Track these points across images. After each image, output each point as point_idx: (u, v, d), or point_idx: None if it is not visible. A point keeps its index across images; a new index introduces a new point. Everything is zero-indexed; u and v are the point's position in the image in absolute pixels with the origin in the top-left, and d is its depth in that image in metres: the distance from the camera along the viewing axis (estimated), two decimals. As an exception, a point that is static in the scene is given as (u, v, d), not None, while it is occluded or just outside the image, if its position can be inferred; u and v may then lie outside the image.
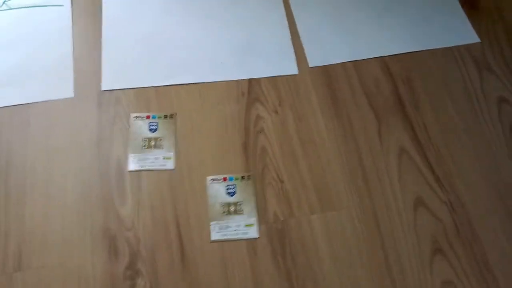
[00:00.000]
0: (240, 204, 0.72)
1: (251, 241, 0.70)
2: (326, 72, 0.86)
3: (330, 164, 0.77)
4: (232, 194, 0.73)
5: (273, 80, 0.85)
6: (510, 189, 0.75)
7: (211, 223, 0.71)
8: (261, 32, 0.90)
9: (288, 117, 0.81)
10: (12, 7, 0.88)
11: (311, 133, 0.80)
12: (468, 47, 0.91)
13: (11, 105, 0.79)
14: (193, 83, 0.83)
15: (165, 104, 0.81)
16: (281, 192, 0.74)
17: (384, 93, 0.84)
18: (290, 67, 0.86)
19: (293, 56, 0.87)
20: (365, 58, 0.88)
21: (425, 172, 0.77)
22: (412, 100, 0.84)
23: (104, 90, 0.81)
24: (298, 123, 0.80)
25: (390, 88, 0.85)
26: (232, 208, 0.72)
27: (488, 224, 0.73)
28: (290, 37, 0.89)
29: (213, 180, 0.74)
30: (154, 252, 0.68)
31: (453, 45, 0.91)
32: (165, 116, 0.79)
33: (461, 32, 0.94)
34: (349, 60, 0.88)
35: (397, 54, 0.89)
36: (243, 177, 0.75)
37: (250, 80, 0.84)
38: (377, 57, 0.88)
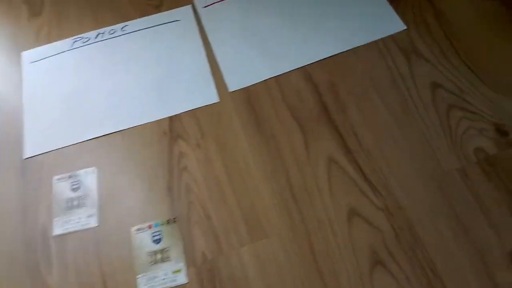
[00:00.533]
0: (166, 251, 0.71)
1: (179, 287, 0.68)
2: (247, 94, 0.84)
3: (257, 189, 0.74)
4: (158, 241, 0.71)
5: (194, 113, 0.83)
6: (451, 180, 0.71)
7: (138, 276, 0.69)
8: (179, 66, 0.89)
9: (211, 148, 0.79)
10: None
11: (236, 160, 0.77)
12: (393, 37, 0.87)
13: None
14: (114, 132, 0.83)
15: (87, 159, 0.80)
16: (209, 229, 0.72)
17: (308, 104, 0.81)
18: (210, 96, 0.85)
19: (212, 84, 0.86)
20: (287, 71, 0.86)
21: (357, 180, 0.73)
22: (338, 105, 0.80)
23: (27, 158, 0.81)
24: (222, 153, 0.78)
25: (314, 97, 0.82)
26: (158, 256, 0.70)
27: (430, 225, 0.68)
28: (208, 65, 0.88)
29: (138, 230, 0.73)
30: (85, 315, 0.67)
31: (379, 37, 0.88)
32: (87, 172, 0.78)
33: (386, 22, 0.90)
34: (270, 77, 0.85)
35: (320, 61, 0.86)
36: (168, 221, 0.73)
37: (171, 118, 0.83)
38: (299, 68, 0.86)
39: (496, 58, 0.81)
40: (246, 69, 0.87)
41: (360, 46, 0.87)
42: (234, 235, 0.71)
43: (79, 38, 0.94)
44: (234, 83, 0.85)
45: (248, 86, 0.85)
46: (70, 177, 0.78)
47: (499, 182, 0.69)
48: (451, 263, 0.65)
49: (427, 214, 0.68)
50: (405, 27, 0.88)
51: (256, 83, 0.85)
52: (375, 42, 0.87)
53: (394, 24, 0.89)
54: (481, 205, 0.68)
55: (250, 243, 0.70)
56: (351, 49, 0.87)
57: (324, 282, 0.66)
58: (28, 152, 0.82)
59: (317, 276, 0.66)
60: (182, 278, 0.68)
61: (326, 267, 0.67)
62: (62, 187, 0.77)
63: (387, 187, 0.71)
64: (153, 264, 0.70)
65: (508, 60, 0.81)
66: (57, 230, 0.74)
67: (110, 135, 0.83)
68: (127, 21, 0.95)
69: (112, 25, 0.95)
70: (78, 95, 0.88)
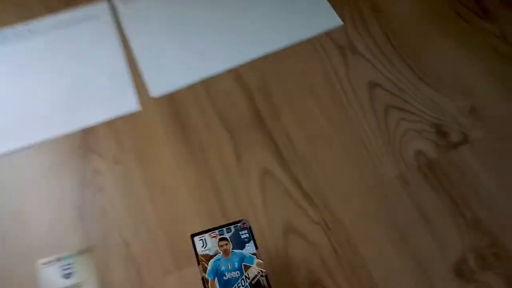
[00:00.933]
0: (80, 286, 0.61)
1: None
2: (172, 100, 0.76)
3: (184, 209, 0.67)
4: (69, 275, 0.62)
5: (111, 123, 0.74)
6: (391, 188, 0.66)
7: (52, 320, 0.60)
8: (93, 70, 0.79)
9: (132, 164, 0.70)
10: None
11: (160, 178, 0.69)
12: (329, 33, 0.82)
13: None
14: (19, 148, 0.72)
15: (-14, 183, 0.69)
16: (128, 258, 0.63)
17: (239, 109, 0.74)
18: (130, 104, 0.76)
19: (132, 90, 0.77)
20: (216, 73, 0.78)
21: (293, 191, 0.67)
22: (271, 110, 0.74)
23: None
24: (144, 170, 0.70)
25: (246, 101, 0.75)
26: (70, 293, 0.61)
27: (370, 239, 0.63)
28: (127, 69, 0.79)
29: (45, 263, 0.63)
30: None
31: (314, 34, 0.82)
32: (-16, 199, 0.67)
33: (322, 18, 0.85)
34: (198, 80, 0.77)
35: (251, 61, 0.79)
36: (80, 252, 0.64)
37: (84, 130, 0.73)
38: (229, 70, 0.78)
39: (437, 55, 0.78)
40: (171, 72, 0.78)
41: (294, 44, 0.81)
42: (158, 263, 0.63)
43: (-25, 41, 0.82)
44: (157, 89, 0.77)
45: (173, 92, 0.77)
46: (-37, 205, 0.67)
47: (440, 189, 0.65)
48: (393, 280, 0.60)
49: (367, 227, 0.64)
50: (341, 23, 0.83)
51: (182, 88, 0.77)
52: (310, 39, 0.81)
53: (330, 20, 0.84)
54: (423, 215, 0.64)
55: (175, 271, 0.62)
56: (284, 47, 0.80)
57: (259, 310, 0.59)
58: None
59: (250, 304, 0.60)
60: (97, 318, 0.60)
61: (260, 293, 0.60)
62: (-48, 218, 0.66)
63: (324, 199, 0.66)
64: (63, 304, 0.60)
65: (449, 57, 0.77)
66: None
67: (12, 154, 0.72)
68: (33, 18, 0.84)
69: (16, 23, 0.83)
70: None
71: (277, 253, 0.63)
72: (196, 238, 0.58)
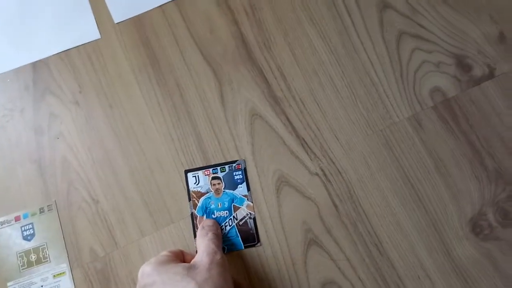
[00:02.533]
0: (43, 249, 0.55)
1: None
2: (139, 24, 0.64)
3: (159, 160, 0.58)
4: (30, 237, 0.55)
5: (67, 56, 0.62)
6: (402, 132, 0.58)
7: (9, 284, 0.54)
8: (41, -11, 0.65)
9: (95, 105, 0.60)
10: None
11: (129, 121, 0.60)
12: None
13: None
14: (-43, 90, 0.61)
15: None
16: (97, 216, 0.56)
17: (223, 37, 0.63)
18: (88, 31, 0.63)
19: (91, 14, 0.64)
20: (193, -10, 0.65)
21: (287, 138, 0.58)
22: (261, 37, 0.63)
23: None
24: (109, 112, 0.60)
25: (230, 27, 0.63)
26: (33, 257, 0.55)
27: (375, 191, 0.56)
28: (84, -13, 0.65)
29: (2, 223, 0.56)
30: None
31: None
32: None
33: None
34: (170, 0, 0.65)
35: (236, -26, 0.65)
36: (41, 210, 0.56)
37: (34, 65, 0.62)
38: (208, -15, 0.65)
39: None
40: (137, -10, 0.65)
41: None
42: (132, 222, 0.56)
43: None
44: (120, 12, 0.64)
45: (139, 15, 0.64)
46: None
47: (459, 133, 0.57)
48: (399, 238, 0.54)
49: (371, 177, 0.56)
50: None
51: (150, 10, 0.64)
52: None
53: None
54: (438, 164, 0.56)
55: (153, 232, 0.55)
56: (278, -43, 0.66)
57: (251, 278, 0.54)
58: None
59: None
60: (66, 284, 0.54)
61: (254, 255, 0.54)
62: None
63: (322, 144, 0.58)
64: (26, 268, 0.54)
65: (473, -31, 0.65)
66: None
67: (-50, 93, 0.61)
68: None
69: None
70: None
71: (269, 209, 0.56)
72: (190, 174, 0.57)
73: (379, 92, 0.59)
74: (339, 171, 0.57)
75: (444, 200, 0.55)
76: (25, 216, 0.56)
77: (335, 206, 0.56)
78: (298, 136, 0.58)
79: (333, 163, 0.57)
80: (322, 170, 0.57)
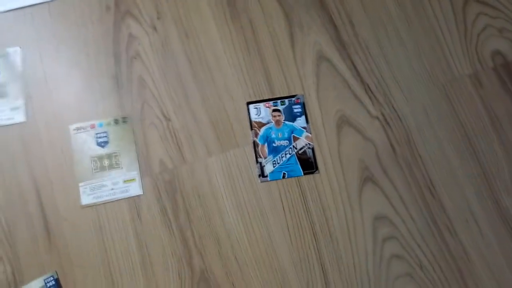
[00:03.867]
0: (116, 156, 0.59)
1: (133, 199, 0.57)
2: (220, -37, 0.67)
3: (228, 89, 0.62)
4: (104, 144, 0.59)
5: (149, -16, 0.66)
6: (461, 87, 0.61)
7: (80, 184, 0.58)
8: None
9: (171, 33, 0.64)
10: None
11: (203, 52, 0.63)
12: None
13: None
14: (40, 3, 0.65)
15: (8, 36, 0.63)
16: (168, 133, 0.60)
17: (297, -17, 0.66)
18: (171, -36, 0.67)
19: None
20: None
21: (351, 82, 0.62)
22: (334, -14, 0.66)
23: None
24: (184, 41, 0.64)
25: (305, -26, 0.66)
26: (106, 162, 0.58)
27: (432, 139, 0.59)
28: None
29: (78, 129, 0.60)
30: (12, 231, 0.56)
31: None
32: (9, 53, 0.62)
33: None
34: None
35: None
36: (116, 121, 0.60)
37: (119, -11, 0.66)
38: None
39: None
40: None
41: None
42: (200, 142, 0.60)
43: None
44: (203, -51, 0.67)
45: (221, -46, 0.67)
46: (-17, 59, 0.62)
47: (516, 93, 0.60)
48: (452, 183, 0.57)
49: (430, 126, 0.60)
50: None
51: (231, -49, 0.67)
52: None
53: None
54: (493, 120, 0.59)
55: (219, 153, 0.59)
56: None
57: (308, 204, 0.57)
58: None
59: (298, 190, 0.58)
60: (135, 189, 0.58)
61: (312, 183, 0.58)
62: (-27, 72, 0.61)
63: (385, 91, 0.61)
64: (99, 171, 0.58)
65: None
66: (-30, 126, 0.59)
67: (35, 6, 0.65)
68: None
69: None
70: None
71: (328, 146, 0.59)
72: (251, 106, 0.60)
73: (442, 48, 0.63)
74: (399, 117, 0.60)
75: (497, 154, 0.58)
76: (100, 125, 0.60)
77: (393, 148, 0.59)
78: (362, 81, 0.62)
79: (394, 109, 0.60)
80: (383, 115, 0.60)
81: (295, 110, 0.61)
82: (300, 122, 0.60)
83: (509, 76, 0.61)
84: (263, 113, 0.61)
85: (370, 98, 0.61)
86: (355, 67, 0.62)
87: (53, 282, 0.54)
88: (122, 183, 0.58)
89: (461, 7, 0.65)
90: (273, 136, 0.60)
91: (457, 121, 0.60)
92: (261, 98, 0.61)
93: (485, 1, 0.65)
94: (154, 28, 0.64)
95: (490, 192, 0.57)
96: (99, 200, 0.57)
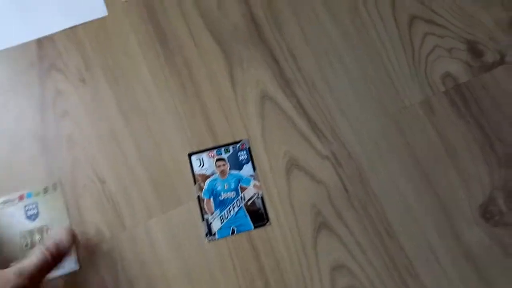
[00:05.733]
0: (47, 229, 0.54)
1: (70, 276, 0.53)
2: (148, 1, 0.63)
3: (168, 139, 0.58)
4: (34, 217, 0.54)
5: (73, 32, 0.61)
6: (412, 116, 0.58)
7: (11, 264, 0.53)
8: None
9: (101, 83, 0.59)
10: None
11: (136, 98, 0.59)
12: None
13: None
14: (-43, 64, 0.60)
15: None
16: (104, 196, 0.55)
17: (233, 16, 0.62)
18: (95, 8, 0.62)
19: (97, -11, 0.63)
20: (202, -32, 0.64)
21: (297, 120, 0.58)
22: (272, 17, 0.62)
23: None
24: (116, 90, 0.59)
25: (240, 5, 0.62)
26: (37, 237, 0.54)
27: (386, 175, 0.56)
28: (89, -39, 0.64)
29: (5, 202, 0.55)
30: None
31: None
32: None
33: None
34: (179, -23, 0.64)
35: (246, -47, 0.65)
36: (46, 189, 0.55)
37: (39, 41, 0.61)
38: (218, -36, 0.64)
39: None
40: (144, -34, 0.64)
41: None
42: (139, 203, 0.55)
43: None
44: (128, -12, 0.63)
45: (148, -8, 0.63)
46: None
47: (470, 118, 0.58)
48: (409, 221, 0.54)
49: (382, 161, 0.56)
50: None
51: (159, -13, 0.63)
52: None
53: None
54: (448, 148, 0.56)
55: (161, 214, 0.55)
56: None
57: (258, 257, 0.54)
58: None
59: (248, 246, 0.54)
60: (70, 264, 0.53)
61: (263, 234, 0.54)
62: None
63: (333, 127, 0.58)
64: (29, 249, 0.53)
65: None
66: None
67: (-50, 68, 0.59)
68: None
69: None
70: None
71: (278, 193, 0.55)
72: (194, 157, 0.57)
73: (390, 74, 0.60)
74: (349, 154, 0.57)
75: (454, 185, 0.55)
76: (29, 196, 0.55)
77: (346, 189, 0.56)
78: (308, 118, 0.58)
79: (344, 146, 0.57)
80: (333, 153, 0.57)
81: (241, 157, 0.57)
82: (247, 170, 0.57)
83: (462, 99, 0.58)
84: (206, 164, 0.57)
85: (317, 136, 0.57)
86: (300, 103, 0.59)
87: None
88: (57, 257, 0.53)
89: (407, 28, 0.61)
90: (219, 188, 0.56)
91: (410, 152, 0.57)
92: (203, 148, 0.57)
93: (431, 19, 0.62)
94: (83, 81, 0.59)
95: (450, 227, 0.54)
96: (34, 279, 0.52)
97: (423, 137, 0.57)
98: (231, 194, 0.56)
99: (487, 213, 0.54)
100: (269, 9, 0.62)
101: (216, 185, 0.56)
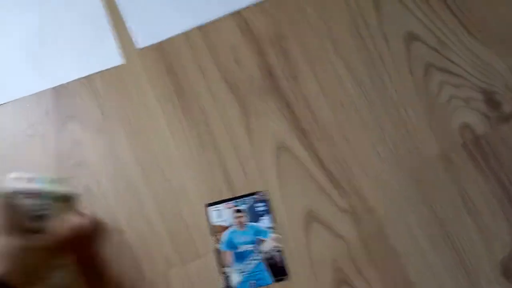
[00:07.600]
0: None
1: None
2: (163, 51, 0.63)
3: (185, 192, 0.58)
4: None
5: (89, 81, 0.62)
6: (432, 169, 0.58)
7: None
8: (66, 15, 0.65)
9: (118, 132, 0.60)
10: None
11: (153, 151, 0.59)
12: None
13: None
14: (-27, 114, 0.60)
15: None
16: (123, 248, 0.55)
17: (248, 67, 0.63)
18: (111, 57, 0.63)
19: (113, 40, 0.63)
20: (215, 18, 0.65)
21: (315, 172, 0.58)
22: (287, 68, 0.63)
23: None
24: (132, 139, 0.59)
25: (255, 57, 0.63)
26: None
27: (405, 230, 0.56)
28: (107, 14, 0.65)
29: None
30: None
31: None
32: None
33: None
34: (194, 26, 0.64)
35: (260, 2, 0.65)
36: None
37: (55, 90, 0.61)
38: (232, 13, 0.65)
39: (488, 1, 0.66)
40: (160, 17, 0.65)
41: (315, -19, 0.67)
42: (159, 256, 0.55)
43: None
44: (144, 38, 0.64)
45: (163, 41, 0.64)
46: None
47: (489, 172, 0.58)
48: (429, 278, 0.54)
49: (402, 215, 0.57)
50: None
51: (173, 36, 0.64)
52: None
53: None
54: (467, 203, 0.57)
55: (180, 265, 0.55)
56: (303, -15, 0.67)
57: (276, 313, 0.53)
58: None
59: (266, 306, 0.53)
60: None
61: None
62: None
63: (354, 182, 0.58)
64: None
65: (502, 3, 0.65)
66: None
67: (-33, 118, 0.60)
68: None
69: None
70: None
71: (297, 246, 0.55)
72: (211, 208, 0.56)
73: (407, 126, 0.60)
74: (368, 207, 0.57)
75: (474, 241, 0.55)
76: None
77: (365, 244, 0.55)
78: (326, 170, 0.58)
79: (362, 199, 0.57)
80: (352, 207, 0.57)
81: (258, 209, 0.57)
82: (265, 222, 0.56)
83: (480, 152, 0.59)
84: (224, 215, 0.57)
85: (337, 189, 0.57)
86: (317, 155, 0.59)
87: None
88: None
89: (422, 78, 0.62)
90: (237, 240, 0.56)
91: (428, 207, 0.57)
92: (221, 199, 0.57)
93: (446, 67, 0.62)
94: (99, 129, 0.60)
95: (469, 284, 0.54)
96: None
97: (441, 190, 0.57)
98: (250, 247, 0.56)
99: (508, 270, 0.54)
100: (285, 60, 0.62)
101: (234, 236, 0.56)
